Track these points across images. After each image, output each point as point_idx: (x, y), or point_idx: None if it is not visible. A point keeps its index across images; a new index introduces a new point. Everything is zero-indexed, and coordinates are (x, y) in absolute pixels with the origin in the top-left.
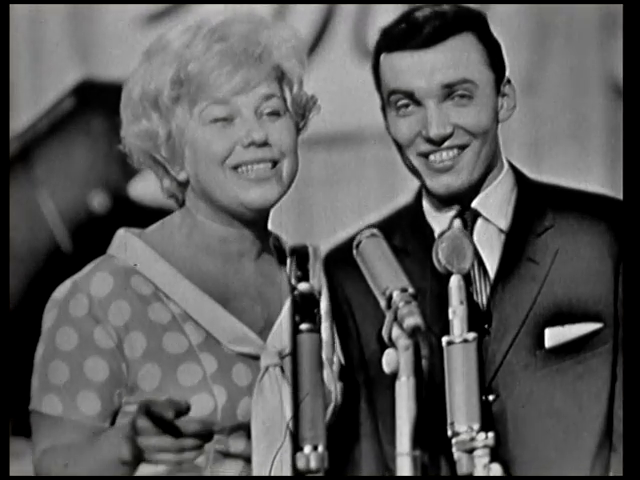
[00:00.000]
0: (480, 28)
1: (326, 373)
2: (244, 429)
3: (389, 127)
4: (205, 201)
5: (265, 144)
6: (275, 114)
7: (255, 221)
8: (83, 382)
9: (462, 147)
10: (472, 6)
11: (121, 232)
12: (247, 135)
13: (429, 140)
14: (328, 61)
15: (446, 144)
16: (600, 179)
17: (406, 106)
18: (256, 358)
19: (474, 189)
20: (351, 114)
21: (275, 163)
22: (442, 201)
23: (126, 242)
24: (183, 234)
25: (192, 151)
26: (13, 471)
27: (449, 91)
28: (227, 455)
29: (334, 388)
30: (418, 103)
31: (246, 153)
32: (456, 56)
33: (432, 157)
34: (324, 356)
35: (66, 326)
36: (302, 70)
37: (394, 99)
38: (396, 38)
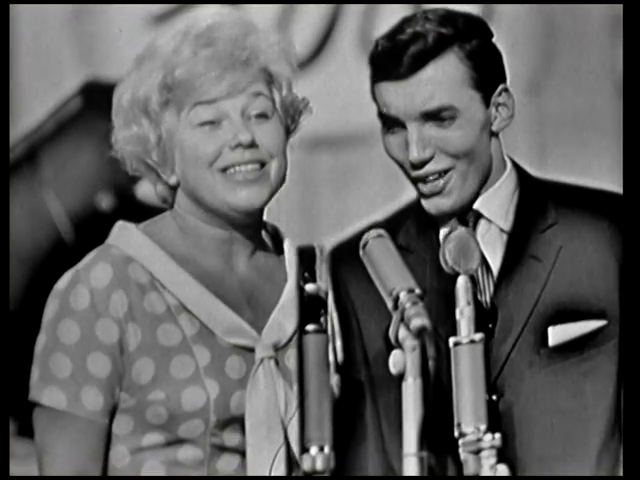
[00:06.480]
0: (469, 42)
1: None
2: (238, 422)
3: (385, 146)
4: (196, 204)
5: (252, 145)
6: (263, 116)
7: (246, 222)
8: (86, 377)
9: (445, 171)
10: (477, 7)
11: (119, 223)
12: (234, 137)
13: (412, 164)
14: (334, 61)
15: (429, 170)
16: (606, 179)
17: (393, 127)
18: (251, 350)
19: (468, 205)
20: (357, 114)
21: (263, 165)
22: None
23: (124, 231)
24: (176, 233)
25: (181, 154)
26: (14, 472)
27: (430, 116)
28: (223, 449)
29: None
30: (403, 126)
31: (233, 155)
32: (436, 83)
33: (420, 186)
34: None
35: (68, 319)
36: (291, 73)
37: (383, 120)
38: (380, 69)
